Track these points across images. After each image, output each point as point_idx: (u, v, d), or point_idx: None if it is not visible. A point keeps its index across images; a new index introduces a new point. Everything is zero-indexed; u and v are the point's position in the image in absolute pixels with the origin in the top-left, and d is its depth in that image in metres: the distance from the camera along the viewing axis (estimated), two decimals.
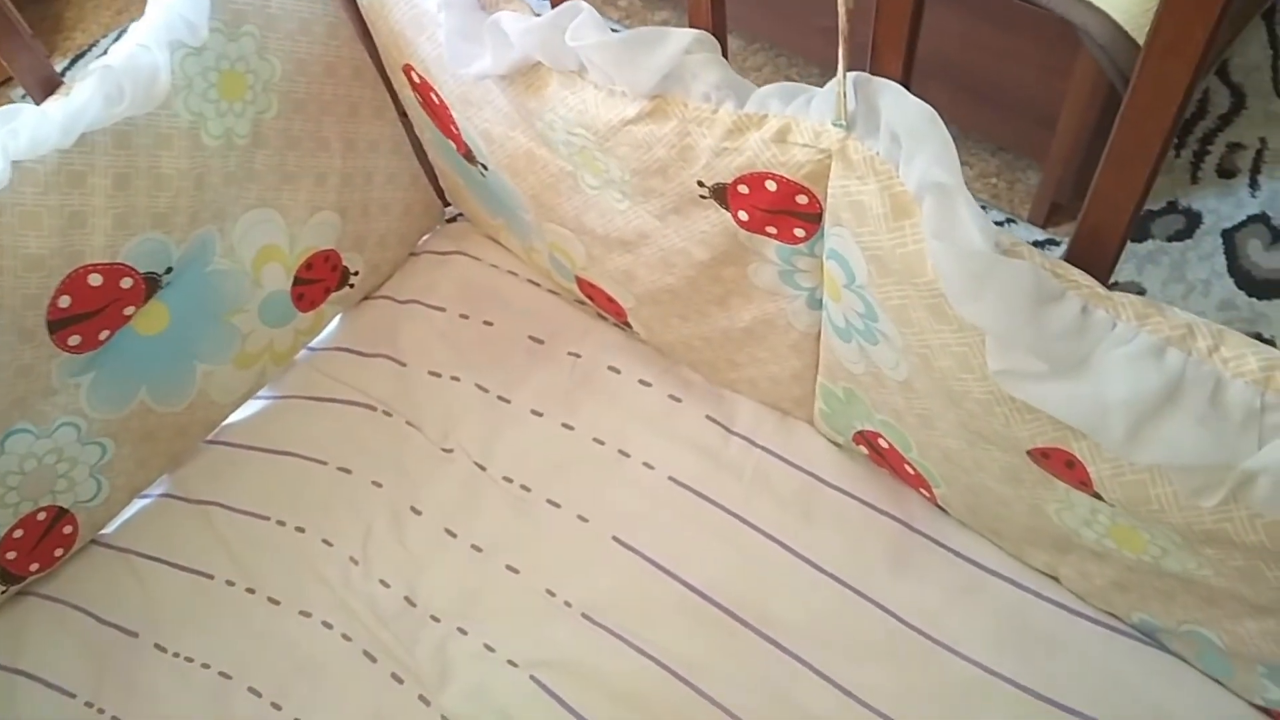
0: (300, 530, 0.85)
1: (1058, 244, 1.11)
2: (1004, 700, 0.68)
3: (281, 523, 0.86)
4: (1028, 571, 0.72)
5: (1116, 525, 0.57)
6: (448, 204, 1.02)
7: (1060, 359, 0.49)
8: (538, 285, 0.95)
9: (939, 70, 1.07)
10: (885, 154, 0.54)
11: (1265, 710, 0.65)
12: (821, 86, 0.55)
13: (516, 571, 0.80)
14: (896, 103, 0.52)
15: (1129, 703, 0.67)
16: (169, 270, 0.78)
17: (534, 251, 0.91)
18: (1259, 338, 1.00)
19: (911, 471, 0.74)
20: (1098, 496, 0.55)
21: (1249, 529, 0.49)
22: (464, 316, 0.93)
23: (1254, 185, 1.09)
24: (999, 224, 1.12)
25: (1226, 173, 1.11)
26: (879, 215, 0.55)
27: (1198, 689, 0.66)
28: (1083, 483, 0.55)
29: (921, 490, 0.76)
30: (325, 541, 0.84)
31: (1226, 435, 0.47)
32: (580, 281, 0.88)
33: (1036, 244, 1.08)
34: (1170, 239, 1.07)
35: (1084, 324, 0.49)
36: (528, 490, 0.84)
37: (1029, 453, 0.57)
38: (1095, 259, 0.51)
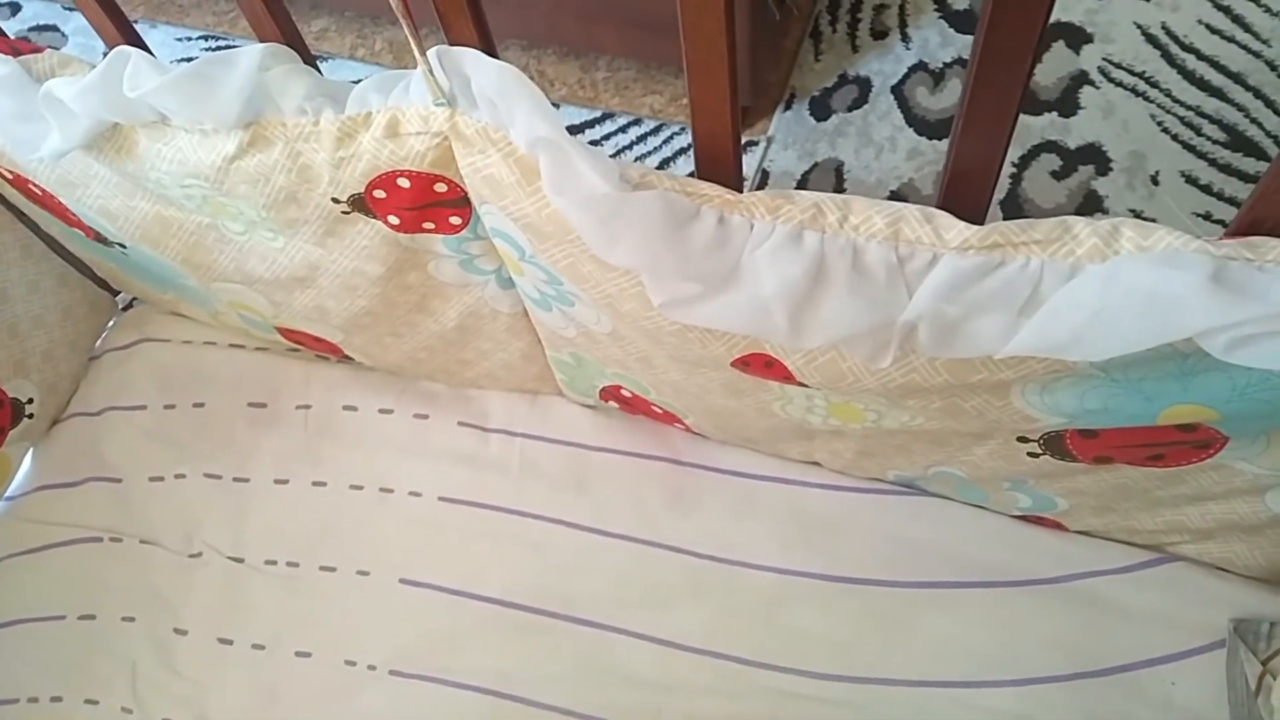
0: (57, 700, 0.76)
1: (757, 144, 1.14)
2: (805, 594, 0.70)
3: (34, 699, 0.76)
4: (791, 466, 0.74)
5: (832, 404, 0.59)
6: (118, 291, 0.92)
7: (711, 275, 0.48)
8: (242, 347, 0.87)
9: (601, 12, 1.06)
10: (492, 121, 0.51)
11: (1024, 518, 0.70)
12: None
13: (309, 655, 0.74)
14: (479, 69, 0.49)
15: (911, 552, 0.70)
16: None
17: (220, 315, 0.83)
18: None
19: (660, 411, 0.74)
20: (804, 385, 0.56)
21: (932, 372, 0.52)
22: (169, 407, 0.85)
23: (905, 39, 1.15)
24: None
25: (879, 34, 1.16)
26: (513, 184, 0.53)
27: (964, 519, 0.71)
28: (786, 377, 0.56)
29: (677, 424, 0.76)
30: (89, 702, 0.75)
31: (878, 296, 0.48)
32: (281, 330, 0.81)
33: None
34: (850, 109, 1.12)
35: (724, 234, 0.48)
36: (295, 566, 0.78)
37: (733, 365, 0.57)
38: (719, 167, 0.50)
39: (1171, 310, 0.42)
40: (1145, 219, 0.46)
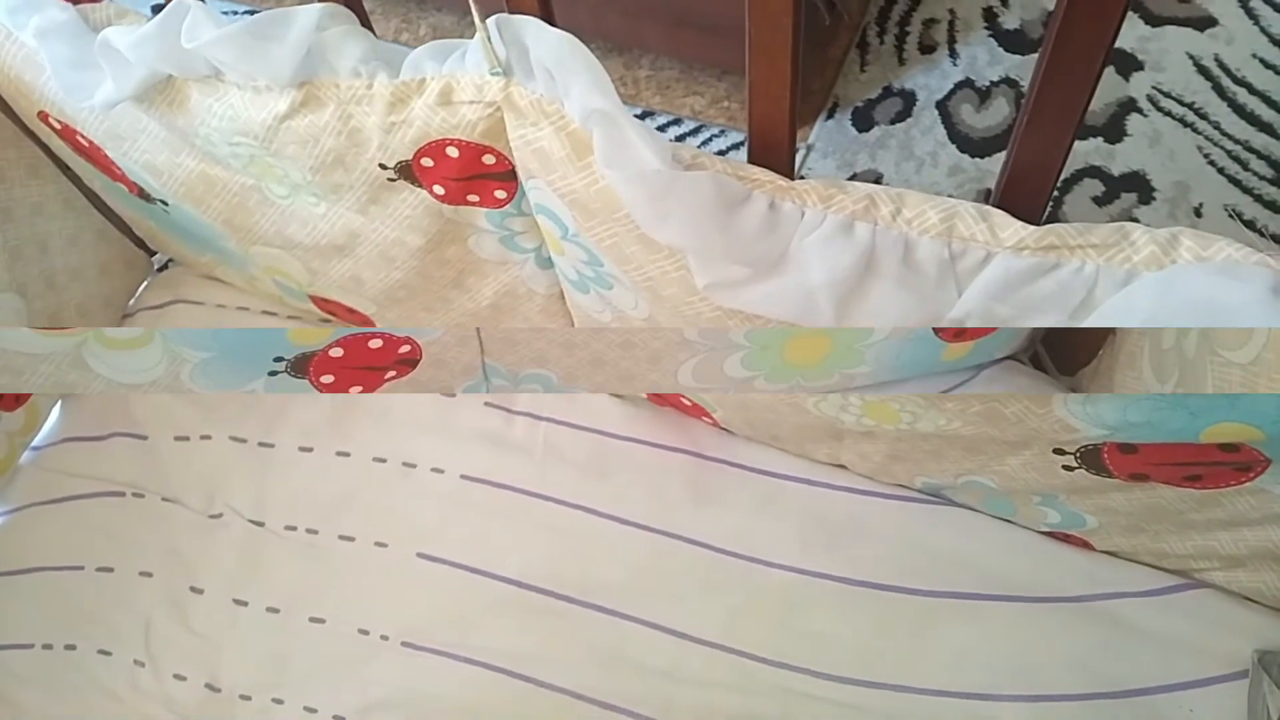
0: (71, 648, 0.76)
1: (796, 150, 1.14)
2: (823, 595, 0.69)
3: (49, 646, 0.76)
4: (817, 467, 0.73)
5: (867, 403, 0.59)
6: (154, 251, 0.93)
7: (759, 259, 0.48)
8: (274, 314, 0.88)
9: (650, 9, 1.06)
10: (547, 93, 0.51)
11: (1051, 534, 0.69)
12: None
13: (322, 621, 0.74)
14: (539, 38, 0.49)
15: (932, 562, 0.69)
16: None
17: (255, 280, 0.84)
18: (988, 194, 1.06)
19: (689, 403, 0.73)
20: None
21: None
22: None
23: (953, 55, 1.14)
24: (738, 145, 1.14)
25: (927, 49, 1.16)
26: (563, 158, 0.53)
27: (990, 531, 0.70)
28: None
29: (704, 418, 0.76)
30: (102, 652, 0.75)
31: (927, 291, 0.47)
32: (314, 299, 0.81)
33: None
34: (893, 122, 1.11)
35: (774, 220, 0.48)
36: (315, 533, 0.78)
37: None
38: (772, 153, 0.50)
39: (1229, 322, 0.42)
40: None
